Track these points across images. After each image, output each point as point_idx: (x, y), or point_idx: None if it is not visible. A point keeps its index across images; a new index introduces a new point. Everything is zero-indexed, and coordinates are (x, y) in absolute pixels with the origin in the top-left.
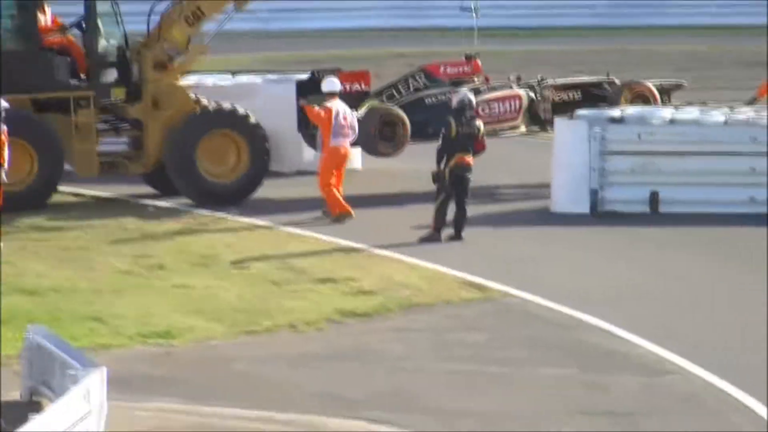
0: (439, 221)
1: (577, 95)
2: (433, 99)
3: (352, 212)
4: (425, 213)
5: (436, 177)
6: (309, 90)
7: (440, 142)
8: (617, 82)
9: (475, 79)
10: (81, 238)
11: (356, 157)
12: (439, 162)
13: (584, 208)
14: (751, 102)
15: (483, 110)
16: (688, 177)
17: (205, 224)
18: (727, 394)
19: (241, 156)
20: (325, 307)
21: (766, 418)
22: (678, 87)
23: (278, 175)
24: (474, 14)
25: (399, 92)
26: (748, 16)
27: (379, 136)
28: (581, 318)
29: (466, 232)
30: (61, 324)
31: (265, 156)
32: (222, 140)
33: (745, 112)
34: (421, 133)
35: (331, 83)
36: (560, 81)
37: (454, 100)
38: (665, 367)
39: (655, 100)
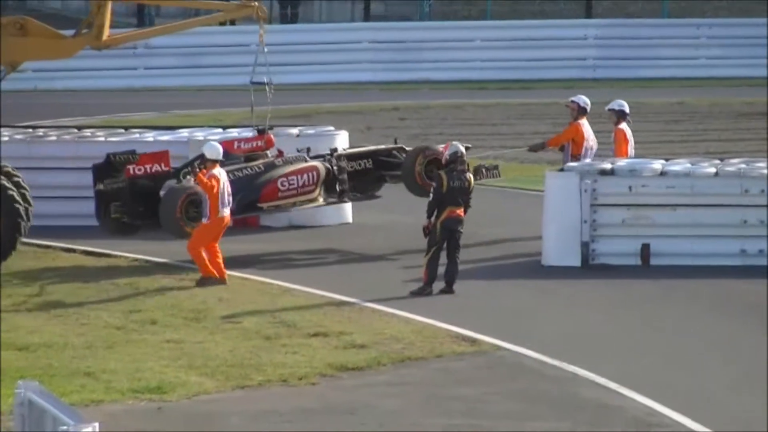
0: (431, 275)
1: (368, 164)
2: (228, 175)
3: (224, 276)
4: (416, 266)
5: (427, 230)
6: (106, 174)
7: (431, 195)
8: (406, 148)
9: (269, 153)
10: (73, 293)
11: (347, 211)
12: (430, 215)
13: (575, 261)
14: (537, 149)
15: (283, 185)
16: (678, 229)
17: (197, 279)
18: None
19: None
20: (318, 361)
21: None
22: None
23: (269, 229)
24: (268, 89)
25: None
26: (740, 68)
27: (185, 217)
28: (574, 371)
29: (458, 286)
30: (52, 380)
31: (18, 217)
32: None
33: (736, 164)
34: None
35: (215, 149)
36: (350, 150)
37: (447, 154)
38: (658, 421)
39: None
